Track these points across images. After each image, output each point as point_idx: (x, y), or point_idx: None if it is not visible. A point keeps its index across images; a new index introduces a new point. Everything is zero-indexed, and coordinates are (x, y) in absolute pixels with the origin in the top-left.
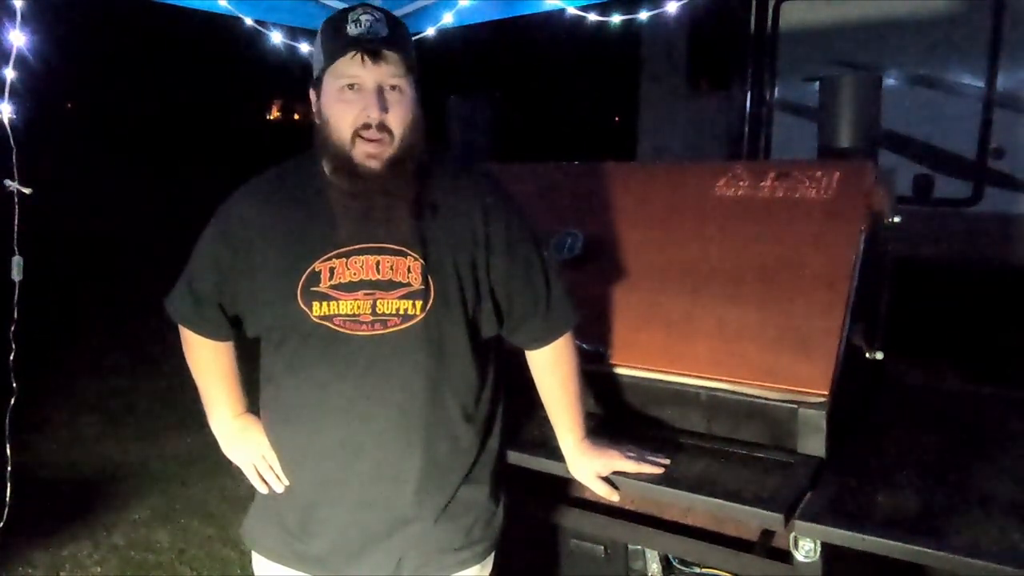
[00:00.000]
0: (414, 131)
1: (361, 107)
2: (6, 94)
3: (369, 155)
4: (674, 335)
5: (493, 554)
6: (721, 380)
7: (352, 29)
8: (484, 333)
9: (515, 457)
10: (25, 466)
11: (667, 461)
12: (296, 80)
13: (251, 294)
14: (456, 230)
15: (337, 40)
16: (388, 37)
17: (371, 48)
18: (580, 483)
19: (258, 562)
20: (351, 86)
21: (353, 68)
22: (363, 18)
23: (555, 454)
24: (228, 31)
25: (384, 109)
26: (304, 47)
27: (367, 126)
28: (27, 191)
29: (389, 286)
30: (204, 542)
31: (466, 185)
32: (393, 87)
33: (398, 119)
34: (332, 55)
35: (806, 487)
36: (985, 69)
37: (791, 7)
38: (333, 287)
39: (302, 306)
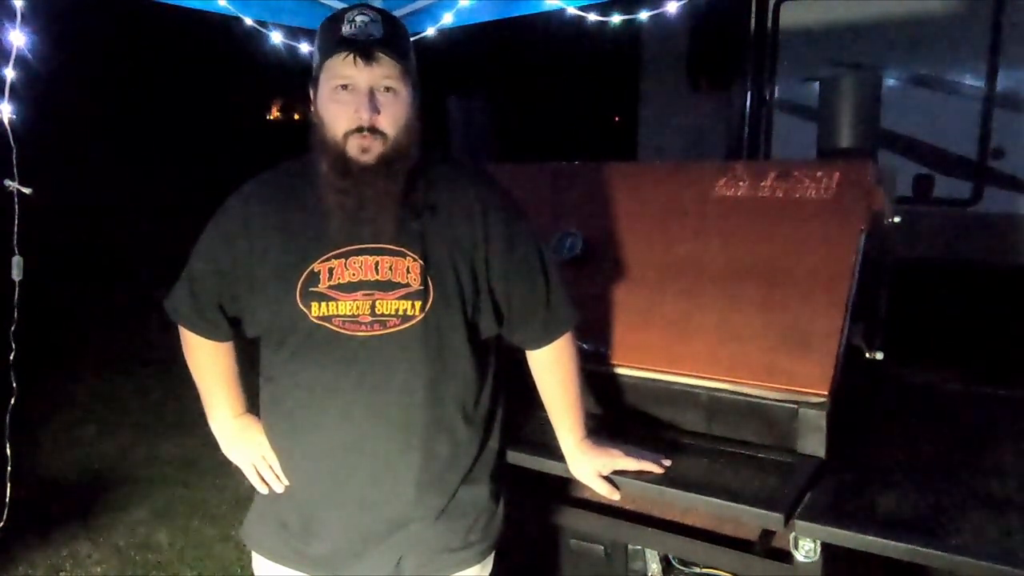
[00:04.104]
0: (407, 133)
1: (353, 109)
2: (6, 94)
3: (363, 148)
4: (674, 335)
5: (493, 554)
6: (721, 380)
7: (346, 29)
8: (483, 333)
9: (515, 457)
10: (25, 466)
11: (668, 461)
12: (296, 80)
13: (250, 294)
14: (455, 230)
15: (331, 39)
16: (382, 38)
17: (363, 49)
18: (580, 483)
19: (258, 562)
20: (344, 86)
21: (346, 68)
22: (358, 18)
23: (555, 454)
24: (228, 31)
25: (375, 111)
26: (304, 47)
27: (359, 129)
28: (27, 191)
29: (388, 286)
30: (204, 542)
31: (465, 185)
32: (387, 88)
33: (390, 121)
34: (326, 54)
35: (806, 487)
36: (985, 69)
37: (791, 7)
38: (332, 287)
39: (301, 306)
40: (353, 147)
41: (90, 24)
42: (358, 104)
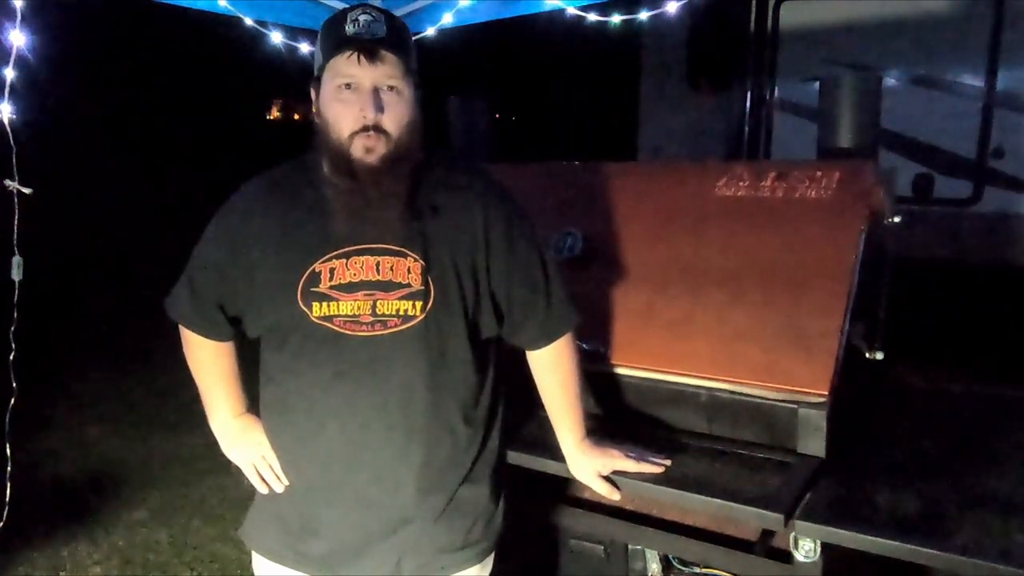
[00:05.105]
0: (411, 132)
1: (358, 108)
2: (6, 94)
3: (367, 149)
4: (674, 335)
5: (493, 554)
6: (721, 380)
7: (350, 28)
8: (484, 333)
9: (515, 457)
10: (25, 466)
11: (668, 461)
12: (296, 80)
13: (251, 294)
14: (456, 230)
15: (335, 39)
16: (385, 37)
17: (368, 48)
18: (580, 483)
19: (258, 562)
20: (348, 85)
21: (350, 68)
22: (361, 18)
23: (555, 454)
24: (228, 31)
25: (380, 110)
26: (304, 47)
27: (364, 128)
28: (27, 191)
29: (389, 287)
30: (204, 542)
31: (466, 185)
32: (390, 87)
33: (394, 120)
34: (330, 54)
35: (806, 487)
36: (985, 69)
37: (791, 7)
38: (333, 288)
39: (302, 307)
40: (358, 148)
41: (90, 24)
42: (362, 103)
